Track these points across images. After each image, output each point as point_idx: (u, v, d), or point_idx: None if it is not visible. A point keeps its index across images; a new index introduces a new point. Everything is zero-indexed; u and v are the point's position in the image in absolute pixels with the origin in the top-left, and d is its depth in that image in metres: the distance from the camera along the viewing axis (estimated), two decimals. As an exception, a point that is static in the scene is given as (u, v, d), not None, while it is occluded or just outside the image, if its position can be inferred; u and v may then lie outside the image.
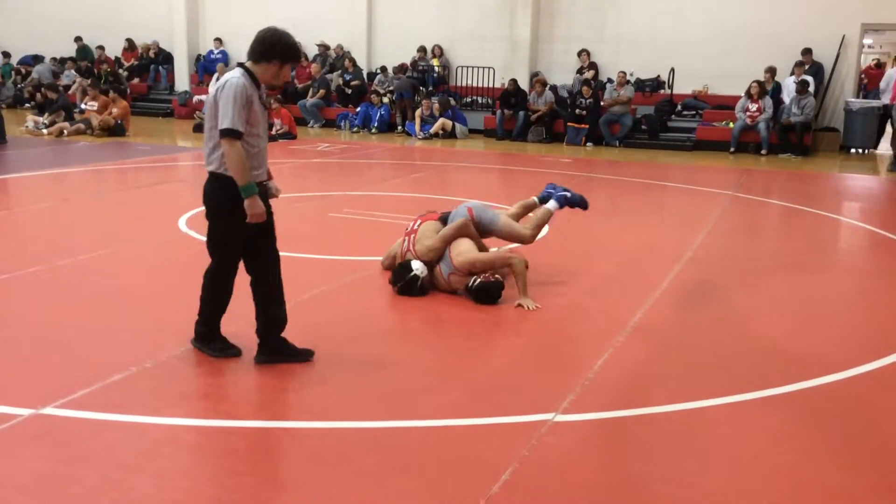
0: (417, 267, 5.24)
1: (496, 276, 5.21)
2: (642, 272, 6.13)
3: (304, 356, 4.09)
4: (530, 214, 5.84)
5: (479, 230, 5.54)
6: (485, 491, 2.92)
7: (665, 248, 6.86)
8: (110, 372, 3.87)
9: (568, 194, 5.89)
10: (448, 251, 5.29)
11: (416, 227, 5.52)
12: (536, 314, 5.07)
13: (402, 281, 5.22)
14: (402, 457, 3.19)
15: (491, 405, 3.70)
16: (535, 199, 5.94)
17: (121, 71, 19.83)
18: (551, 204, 5.79)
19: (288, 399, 3.70)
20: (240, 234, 3.88)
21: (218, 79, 17.92)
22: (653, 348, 4.51)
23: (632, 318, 4.95)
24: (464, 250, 5.26)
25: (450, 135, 15.76)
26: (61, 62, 20.22)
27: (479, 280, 5.13)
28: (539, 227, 5.72)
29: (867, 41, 20.94)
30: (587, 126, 15.05)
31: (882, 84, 15.89)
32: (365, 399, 3.74)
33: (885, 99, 14.79)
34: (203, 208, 4.02)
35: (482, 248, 5.49)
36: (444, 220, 5.61)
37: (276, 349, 4.05)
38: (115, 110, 14.84)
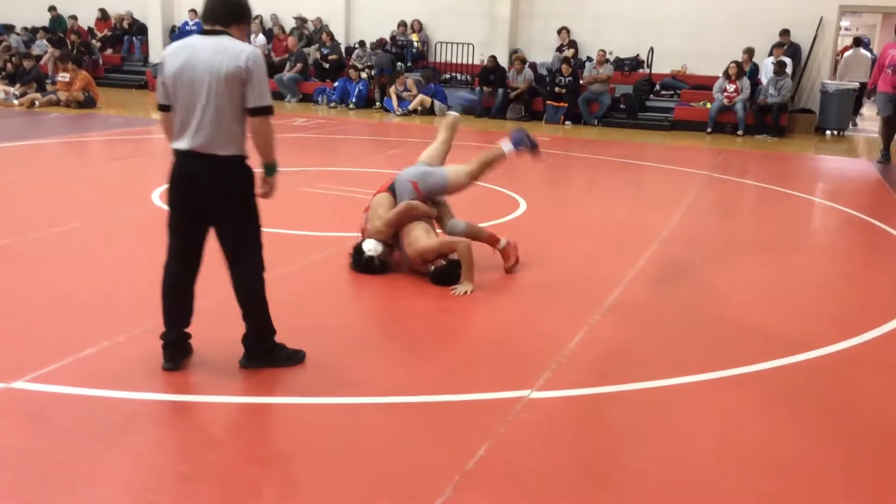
0: (369, 247, 5.17)
1: (451, 257, 5.08)
2: (619, 251, 6.15)
3: (295, 360, 3.78)
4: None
5: (432, 199, 5.36)
6: (460, 467, 2.92)
7: (642, 227, 6.89)
8: (82, 346, 3.82)
9: (521, 135, 5.56)
10: (400, 237, 5.20)
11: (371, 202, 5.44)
12: (513, 292, 5.07)
13: (358, 264, 5.20)
14: (377, 433, 3.19)
15: (466, 382, 3.70)
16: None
17: (94, 42, 19.47)
18: (505, 144, 5.47)
19: (260, 375, 3.67)
20: None
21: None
22: (629, 326, 4.53)
23: (608, 296, 4.96)
24: (412, 240, 5.12)
25: (429, 111, 15.67)
26: (33, 32, 19.83)
27: (433, 266, 5.05)
28: (483, 165, 5.38)
29: (844, 23, 21.04)
30: (566, 104, 15.03)
31: (841, 66, 16.05)
32: (338, 375, 3.73)
33: (850, 80, 14.99)
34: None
35: (440, 216, 5.36)
36: (392, 190, 5.39)
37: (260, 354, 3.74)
38: (77, 83, 14.58)
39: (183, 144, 3.47)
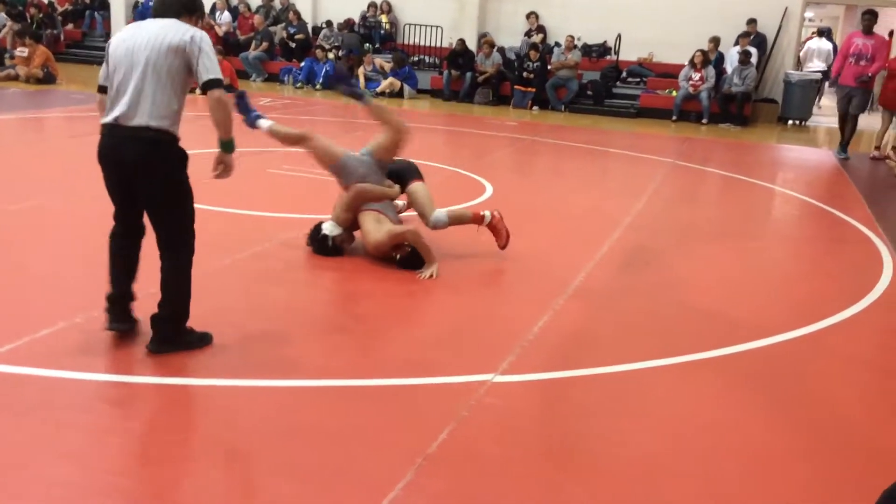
0: (327, 227, 5.15)
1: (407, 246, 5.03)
2: (583, 236, 6.18)
3: (204, 342, 3.68)
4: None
5: (397, 179, 5.32)
6: (423, 450, 2.92)
7: (606, 213, 6.93)
8: (39, 326, 3.75)
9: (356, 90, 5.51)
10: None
11: None
12: (478, 276, 5.07)
13: (313, 243, 5.17)
14: (339, 415, 3.18)
15: (430, 366, 3.70)
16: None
17: (56, 16, 19.02)
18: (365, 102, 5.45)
19: (222, 357, 3.63)
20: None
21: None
22: (592, 311, 4.56)
23: (572, 281, 4.99)
24: (364, 234, 5.06)
25: (397, 94, 15.58)
26: (-9, 4, 19.31)
27: (398, 255, 4.99)
28: (384, 120, 5.38)
29: (808, 14, 21.31)
30: (534, 90, 15.04)
31: (803, 53, 16.31)
32: (301, 358, 3.71)
33: (811, 68, 15.25)
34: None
35: (422, 211, 5.31)
36: None
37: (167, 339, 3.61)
38: (36, 59, 14.25)
39: (109, 118, 3.42)
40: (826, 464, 3.08)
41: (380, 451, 2.93)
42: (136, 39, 3.41)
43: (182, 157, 3.51)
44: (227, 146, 3.57)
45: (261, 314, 4.17)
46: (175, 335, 3.59)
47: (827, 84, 13.71)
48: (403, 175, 5.41)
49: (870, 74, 10.79)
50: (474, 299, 4.76)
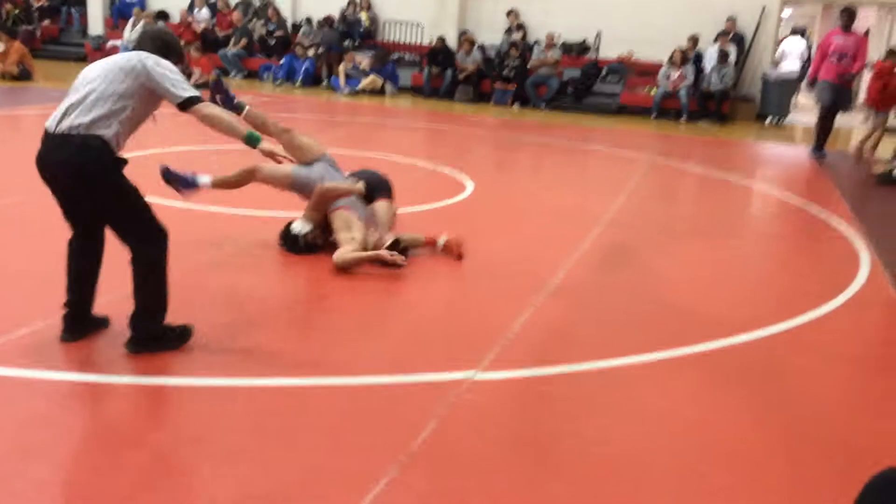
0: (297, 226, 5.12)
1: (386, 239, 5.01)
2: (564, 233, 6.20)
3: (184, 339, 3.61)
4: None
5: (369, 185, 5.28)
6: (404, 448, 2.92)
7: (586, 211, 6.96)
8: (15, 326, 3.71)
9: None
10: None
11: None
12: (458, 273, 5.07)
13: (285, 242, 5.15)
14: (319, 414, 3.17)
15: (411, 363, 3.69)
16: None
17: (32, 12, 18.80)
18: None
19: (200, 356, 3.61)
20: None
21: (134, 24, 17.19)
22: (572, 308, 4.58)
23: (552, 278, 5.01)
24: (336, 231, 5.01)
25: (378, 92, 15.54)
26: (-36, 0, 19.05)
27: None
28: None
29: (786, 13, 21.45)
30: (514, 87, 15.06)
31: (778, 52, 16.46)
32: (279, 357, 3.70)
33: (786, 68, 15.40)
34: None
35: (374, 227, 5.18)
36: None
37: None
38: (11, 56, 14.08)
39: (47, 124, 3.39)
40: (805, 459, 3.11)
41: (362, 448, 2.92)
42: (93, 67, 3.49)
43: (104, 157, 3.37)
44: (250, 141, 3.63)
45: (238, 313, 4.15)
46: (151, 334, 3.52)
47: (804, 84, 13.68)
48: (372, 190, 5.31)
49: (854, 73, 10.73)
50: (454, 297, 4.77)
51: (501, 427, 3.17)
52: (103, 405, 3.17)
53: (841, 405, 3.65)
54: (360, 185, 5.22)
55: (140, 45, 3.58)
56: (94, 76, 3.40)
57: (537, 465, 2.93)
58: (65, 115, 3.36)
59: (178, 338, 3.60)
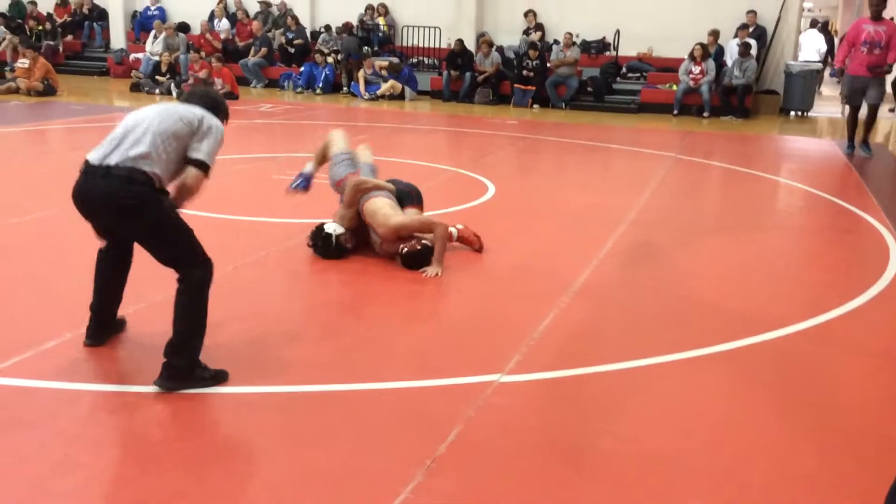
0: (331, 227, 5.14)
1: (424, 240, 5.04)
2: (587, 233, 6.17)
3: (218, 380, 3.42)
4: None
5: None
6: (431, 452, 2.92)
7: (609, 210, 6.92)
8: (45, 339, 3.76)
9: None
10: (369, 223, 5.12)
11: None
12: (482, 275, 5.06)
13: (316, 242, 5.16)
14: (347, 419, 3.17)
15: (437, 367, 3.69)
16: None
17: (56, 28, 19.07)
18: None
19: (229, 363, 3.63)
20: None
21: (156, 36, 17.37)
22: (597, 308, 4.55)
23: (576, 278, 4.98)
24: (383, 218, 4.99)
25: (398, 97, 15.59)
26: (-11, 18, 19.38)
27: (405, 248, 4.98)
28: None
29: (807, 4, 21.23)
30: (534, 88, 15.03)
31: (804, 47, 16.34)
32: (306, 362, 3.71)
33: (804, 59, 15.21)
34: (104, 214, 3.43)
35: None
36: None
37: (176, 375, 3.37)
38: (36, 72, 14.30)
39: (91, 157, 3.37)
40: (836, 454, 3.06)
41: (388, 453, 2.92)
42: (145, 108, 3.49)
43: (155, 195, 3.34)
44: (172, 204, 3.44)
45: (266, 319, 4.17)
46: (182, 369, 3.34)
47: (828, 73, 13.07)
48: (402, 199, 5.32)
49: (890, 63, 10.00)
50: (479, 299, 4.76)
51: (529, 429, 3.16)
52: (133, 415, 3.19)
53: (871, 400, 3.59)
54: (391, 186, 5.29)
55: (188, 100, 3.59)
56: (146, 115, 3.41)
57: (567, 466, 2.91)
58: (112, 149, 3.32)
59: (212, 378, 3.41)
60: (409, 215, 5.16)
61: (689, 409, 3.38)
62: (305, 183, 5.39)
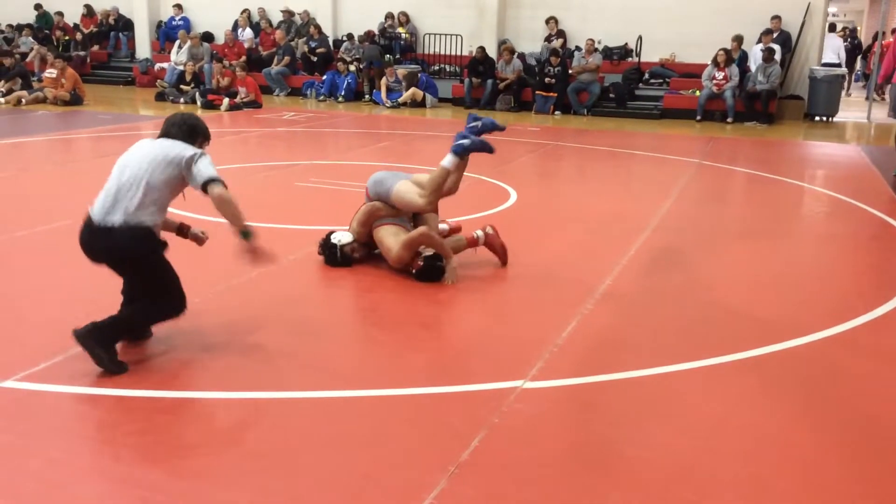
0: (337, 237, 5.16)
1: (424, 252, 4.95)
2: (610, 239, 6.15)
3: (112, 366, 3.56)
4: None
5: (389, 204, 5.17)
6: (454, 458, 2.92)
7: (632, 216, 6.89)
8: (72, 344, 3.78)
9: (466, 142, 5.06)
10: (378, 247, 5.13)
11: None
12: (505, 282, 5.06)
13: (324, 252, 5.19)
14: (369, 425, 3.18)
15: (459, 373, 3.69)
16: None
17: (78, 37, 19.33)
18: (446, 160, 5.03)
19: (251, 370, 3.66)
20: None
21: (181, 46, 17.57)
22: (621, 314, 4.53)
23: (600, 284, 4.96)
24: (386, 251, 5.00)
25: (419, 104, 15.63)
26: (18, 29, 19.68)
27: (414, 270, 4.93)
28: (434, 188, 4.99)
29: (832, 9, 21.07)
30: (555, 94, 15.01)
31: (832, 53, 16.14)
32: (329, 369, 3.72)
33: (823, 63, 15.01)
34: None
35: (417, 224, 5.14)
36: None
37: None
38: (64, 81, 14.51)
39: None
40: (864, 463, 3.03)
41: (412, 459, 2.92)
42: (135, 153, 3.75)
43: (156, 245, 3.72)
44: (244, 235, 3.76)
45: (288, 327, 4.19)
46: (102, 338, 3.54)
47: (876, 84, 11.45)
48: None
49: None
50: (501, 306, 4.75)
51: (552, 436, 3.15)
52: (151, 420, 3.22)
53: (902, 408, 3.54)
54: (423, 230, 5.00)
55: (167, 131, 3.84)
56: (139, 166, 3.65)
57: (591, 472, 2.90)
58: (110, 206, 3.61)
59: (109, 360, 3.54)
60: (423, 227, 5.06)
61: (715, 417, 3.35)
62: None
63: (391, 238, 5.03)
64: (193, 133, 3.86)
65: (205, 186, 3.63)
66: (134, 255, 3.65)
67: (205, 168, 3.66)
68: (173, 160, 3.66)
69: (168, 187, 3.68)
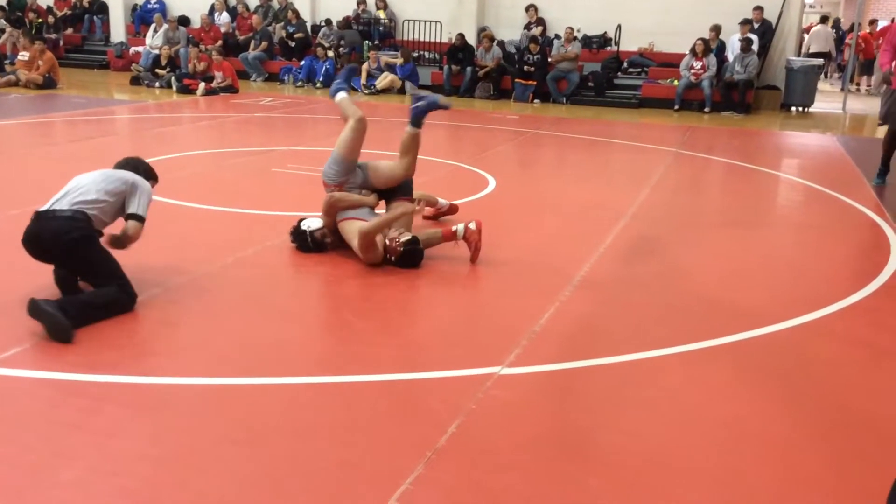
0: (307, 224, 5.13)
1: (403, 237, 4.91)
2: (588, 227, 6.17)
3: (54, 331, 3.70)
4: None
5: (369, 184, 5.18)
6: (432, 444, 2.92)
7: (610, 204, 6.91)
8: (43, 329, 3.75)
9: (421, 104, 5.28)
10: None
11: None
12: (483, 269, 5.06)
13: (295, 239, 5.17)
14: (346, 411, 3.17)
15: (437, 359, 3.69)
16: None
17: (51, 20, 19.03)
18: (409, 128, 5.22)
19: (224, 356, 3.63)
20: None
21: (156, 30, 17.37)
22: (598, 302, 4.55)
23: (578, 272, 4.98)
24: (356, 249, 4.91)
25: (399, 91, 15.57)
26: (-10, 11, 19.35)
27: (392, 256, 4.89)
28: (407, 152, 5.17)
29: (809, 0, 21.20)
30: (535, 82, 15.02)
31: (808, 40, 16.29)
32: (305, 355, 3.71)
33: (814, 51, 15.20)
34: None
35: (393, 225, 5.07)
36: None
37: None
38: (41, 64, 14.29)
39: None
40: (837, 447, 3.06)
41: (389, 445, 2.92)
42: (91, 173, 4.26)
43: (92, 233, 4.04)
44: (118, 242, 4.16)
45: (263, 313, 4.17)
46: (68, 317, 3.68)
47: (875, 77, 9.10)
48: (392, 190, 5.26)
49: None
50: (479, 293, 4.75)
51: (529, 422, 3.16)
52: (131, 406, 3.19)
53: (872, 394, 3.58)
54: (372, 198, 5.15)
55: (120, 166, 4.40)
56: (91, 177, 4.17)
57: (567, 458, 2.91)
58: (58, 200, 4.07)
59: (57, 325, 3.67)
60: (394, 209, 5.05)
61: (690, 403, 3.38)
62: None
63: (354, 236, 4.93)
64: (147, 175, 4.40)
65: (133, 216, 4.11)
66: (71, 237, 3.91)
67: (143, 204, 4.17)
68: (123, 178, 4.20)
69: (114, 197, 4.11)
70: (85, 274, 4.11)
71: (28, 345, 3.62)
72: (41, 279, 4.54)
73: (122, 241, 4.13)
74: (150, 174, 4.50)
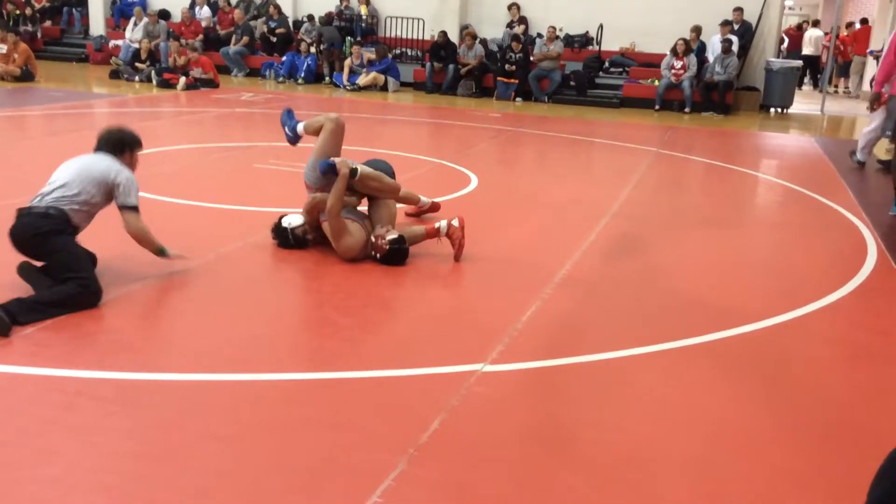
0: (287, 220, 5.11)
1: (389, 234, 4.91)
2: (570, 226, 6.19)
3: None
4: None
5: (353, 189, 5.07)
6: (414, 441, 2.92)
7: (592, 203, 6.94)
8: (22, 325, 3.71)
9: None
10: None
11: None
12: (465, 266, 5.07)
13: (275, 235, 5.15)
14: (328, 408, 3.17)
15: (419, 357, 3.69)
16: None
17: (28, 12, 18.81)
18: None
19: (206, 352, 3.61)
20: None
21: (136, 23, 17.21)
22: (580, 299, 4.56)
23: (560, 270, 5.00)
24: (341, 252, 4.91)
25: (381, 88, 15.54)
26: (-34, 2, 19.09)
27: (378, 254, 4.89)
28: (379, 192, 5.23)
29: (788, 2, 21.40)
30: (517, 81, 15.04)
31: (805, 41, 16.63)
32: (287, 352, 3.69)
33: (805, 52, 15.47)
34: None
35: (374, 224, 5.10)
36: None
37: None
38: (16, 56, 14.12)
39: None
40: (815, 445, 3.10)
41: (371, 442, 2.92)
42: (72, 163, 4.29)
43: (66, 229, 4.11)
44: (161, 253, 4.34)
45: (245, 309, 4.15)
46: (18, 312, 3.71)
47: (871, 101, 8.37)
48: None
49: None
50: (461, 290, 4.76)
51: (511, 418, 3.17)
52: (111, 402, 3.17)
53: (849, 392, 3.63)
54: (353, 199, 5.14)
55: (100, 146, 4.36)
56: (72, 172, 4.20)
57: (549, 455, 2.92)
58: (42, 196, 4.14)
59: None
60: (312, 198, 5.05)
61: (670, 400, 3.40)
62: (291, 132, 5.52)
63: (339, 240, 4.91)
64: (123, 145, 4.38)
65: (127, 207, 4.18)
66: (39, 232, 4.02)
67: (132, 195, 4.21)
68: (108, 168, 4.20)
69: (97, 188, 4.15)
70: (52, 269, 4.10)
71: (8, 339, 3.57)
72: (4, 276, 4.50)
73: (148, 245, 4.29)
74: (135, 143, 4.48)
